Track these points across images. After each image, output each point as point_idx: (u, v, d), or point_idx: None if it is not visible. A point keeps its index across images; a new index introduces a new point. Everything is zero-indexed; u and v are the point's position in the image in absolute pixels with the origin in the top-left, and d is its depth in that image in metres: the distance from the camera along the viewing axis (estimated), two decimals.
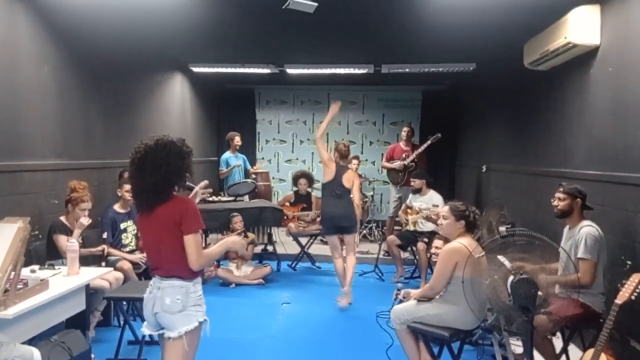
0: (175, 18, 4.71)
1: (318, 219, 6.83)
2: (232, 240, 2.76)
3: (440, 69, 6.94)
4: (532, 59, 4.66)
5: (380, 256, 6.45)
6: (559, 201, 3.46)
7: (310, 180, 7.30)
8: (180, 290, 2.42)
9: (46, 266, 3.47)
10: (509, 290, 2.67)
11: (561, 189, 3.47)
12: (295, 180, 7.29)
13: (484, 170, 6.95)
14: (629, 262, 3.30)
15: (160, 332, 2.49)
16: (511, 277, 2.69)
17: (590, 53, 3.98)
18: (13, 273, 2.65)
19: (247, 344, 4.20)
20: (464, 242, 3.15)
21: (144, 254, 4.66)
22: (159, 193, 2.40)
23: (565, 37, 3.93)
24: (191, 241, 2.39)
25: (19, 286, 2.75)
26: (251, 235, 6.28)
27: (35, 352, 2.55)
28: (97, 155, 5.13)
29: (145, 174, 2.38)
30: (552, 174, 4.61)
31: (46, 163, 4.29)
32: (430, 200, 6.06)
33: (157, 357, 2.97)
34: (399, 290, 3.60)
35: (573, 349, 3.57)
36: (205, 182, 2.98)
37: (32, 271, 3.31)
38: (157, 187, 2.38)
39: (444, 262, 3.17)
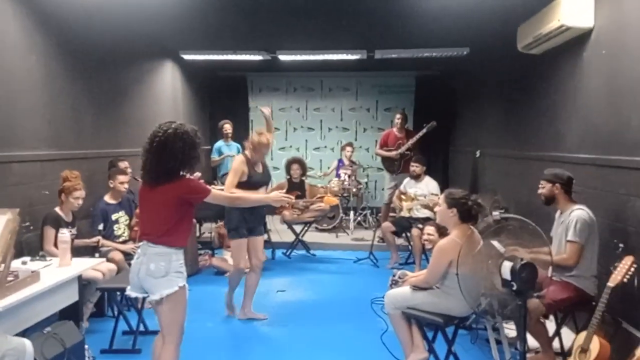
0: (164, 3, 4.63)
1: (312, 207, 6.81)
2: (274, 196, 3.36)
3: (434, 54, 6.88)
4: (525, 42, 4.62)
5: (375, 243, 6.46)
6: (541, 188, 3.53)
7: (304, 166, 7.21)
8: (164, 258, 2.67)
9: (38, 257, 3.44)
10: (503, 275, 2.67)
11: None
12: (288, 166, 7.20)
13: (477, 155, 6.94)
14: (621, 245, 3.31)
15: (144, 295, 2.76)
16: (507, 263, 2.67)
17: (584, 36, 3.95)
18: (2, 265, 2.63)
19: (241, 331, 4.21)
20: (458, 237, 3.08)
21: (137, 245, 4.64)
22: (171, 175, 2.70)
23: (558, 20, 3.89)
24: (214, 195, 2.87)
25: (9, 278, 2.73)
26: None
27: (28, 344, 2.52)
28: (87, 145, 5.07)
29: (162, 158, 2.66)
30: (545, 158, 4.60)
31: (36, 154, 4.23)
32: (426, 187, 6.04)
33: (152, 347, 2.97)
34: (394, 275, 3.59)
35: (566, 332, 3.59)
36: (198, 174, 3.11)
37: (24, 263, 3.28)
38: (172, 171, 2.69)
39: (437, 260, 3.13)
